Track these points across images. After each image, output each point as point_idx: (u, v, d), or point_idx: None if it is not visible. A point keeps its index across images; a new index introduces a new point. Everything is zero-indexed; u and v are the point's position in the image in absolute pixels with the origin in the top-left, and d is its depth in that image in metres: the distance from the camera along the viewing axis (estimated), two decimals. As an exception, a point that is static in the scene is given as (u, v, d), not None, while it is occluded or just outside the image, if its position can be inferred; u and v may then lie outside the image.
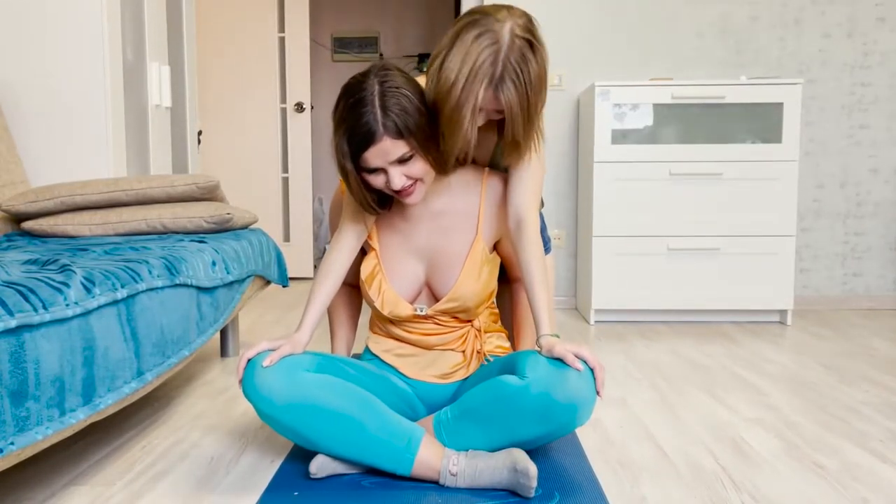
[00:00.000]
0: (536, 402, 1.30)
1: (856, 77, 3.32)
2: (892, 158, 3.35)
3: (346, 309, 1.73)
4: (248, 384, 1.36)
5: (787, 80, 2.93)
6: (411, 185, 1.40)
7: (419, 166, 1.38)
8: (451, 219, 1.54)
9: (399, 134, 1.33)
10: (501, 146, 1.48)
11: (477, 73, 1.31)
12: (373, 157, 1.35)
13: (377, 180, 1.40)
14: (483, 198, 1.55)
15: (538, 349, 1.39)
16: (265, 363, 1.35)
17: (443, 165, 1.43)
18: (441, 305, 1.53)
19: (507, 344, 1.68)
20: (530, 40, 1.33)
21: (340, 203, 1.65)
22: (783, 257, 2.97)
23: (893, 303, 3.39)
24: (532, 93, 1.35)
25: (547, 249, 1.80)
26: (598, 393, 1.32)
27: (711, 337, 2.77)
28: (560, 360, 1.32)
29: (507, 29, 1.32)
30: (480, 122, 1.41)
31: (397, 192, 1.40)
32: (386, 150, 1.34)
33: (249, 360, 1.38)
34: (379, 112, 1.31)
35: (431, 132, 1.37)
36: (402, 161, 1.36)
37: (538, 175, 1.51)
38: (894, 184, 3.35)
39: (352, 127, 1.33)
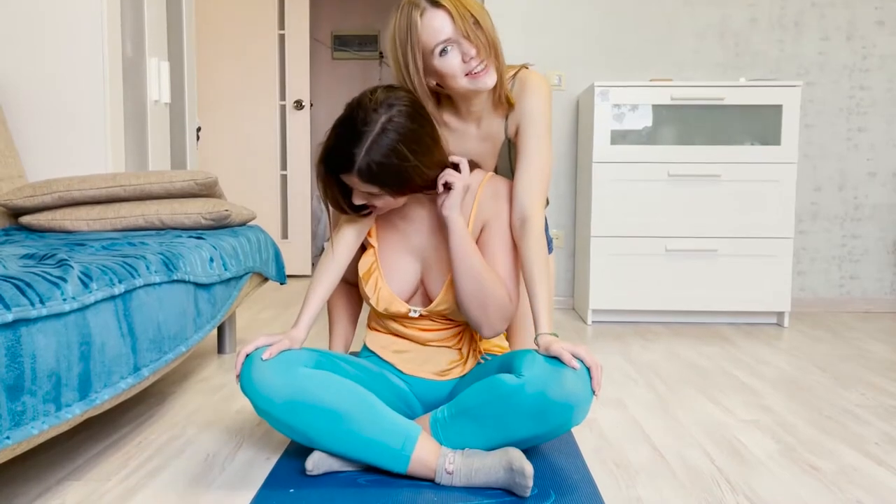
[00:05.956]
0: (532, 400, 1.30)
1: (854, 80, 3.33)
2: (889, 162, 3.35)
3: (346, 307, 1.73)
4: (245, 380, 1.35)
5: (786, 83, 2.93)
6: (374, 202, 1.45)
7: (385, 200, 1.43)
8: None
9: (371, 180, 1.36)
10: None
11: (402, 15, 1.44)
12: (343, 177, 1.41)
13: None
14: (477, 202, 1.54)
15: (535, 347, 1.39)
16: (264, 356, 1.35)
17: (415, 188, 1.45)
18: (432, 308, 1.53)
19: (506, 343, 1.68)
20: None
21: None
22: (781, 259, 2.97)
23: (890, 306, 3.40)
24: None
25: (549, 249, 1.80)
26: (594, 392, 1.32)
27: (709, 338, 2.78)
28: (557, 359, 1.32)
29: None
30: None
31: None
32: (354, 183, 1.40)
33: (247, 356, 1.38)
34: (363, 154, 1.34)
35: (416, 169, 1.38)
36: (368, 193, 1.42)
37: (545, 174, 1.51)
38: (891, 187, 3.36)
39: (334, 148, 1.38)
